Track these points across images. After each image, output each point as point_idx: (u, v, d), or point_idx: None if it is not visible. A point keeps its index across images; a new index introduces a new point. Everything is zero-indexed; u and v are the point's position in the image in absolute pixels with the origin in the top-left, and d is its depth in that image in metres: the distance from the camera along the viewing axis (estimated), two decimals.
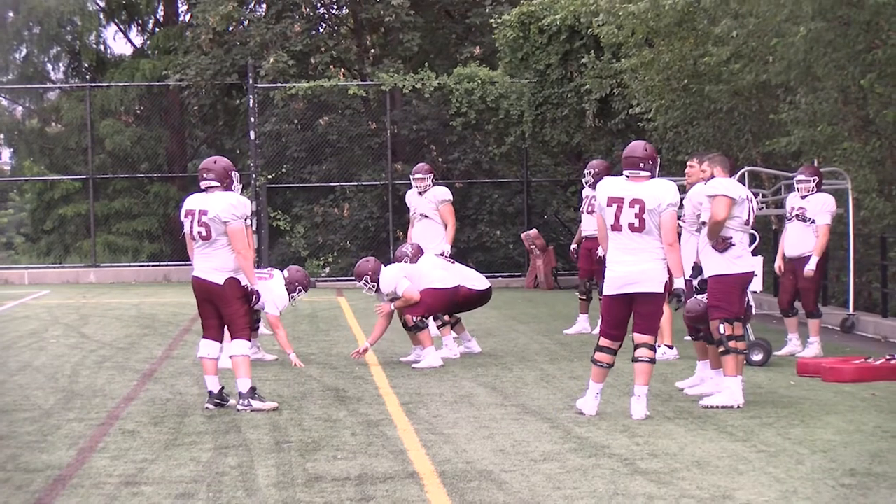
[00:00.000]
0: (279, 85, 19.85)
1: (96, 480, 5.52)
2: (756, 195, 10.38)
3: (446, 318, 9.69)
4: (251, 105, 19.20)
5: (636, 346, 6.92)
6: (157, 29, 24.92)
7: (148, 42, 24.95)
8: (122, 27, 25.35)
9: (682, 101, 14.10)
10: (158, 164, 23.43)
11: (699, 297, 7.66)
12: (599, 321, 7.33)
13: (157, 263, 21.16)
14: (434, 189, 11.08)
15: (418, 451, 6.06)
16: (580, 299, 11.68)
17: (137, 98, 23.04)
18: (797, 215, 9.71)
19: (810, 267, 9.55)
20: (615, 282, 6.92)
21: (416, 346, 9.39)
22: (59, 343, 10.97)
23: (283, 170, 20.30)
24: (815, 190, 9.74)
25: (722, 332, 7.35)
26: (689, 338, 8.33)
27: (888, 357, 8.60)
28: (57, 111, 23.85)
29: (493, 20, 18.84)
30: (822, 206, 9.62)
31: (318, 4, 22.04)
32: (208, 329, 7.33)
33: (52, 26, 23.26)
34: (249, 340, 7.37)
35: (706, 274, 7.53)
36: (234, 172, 7.41)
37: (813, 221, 9.63)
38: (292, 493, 5.25)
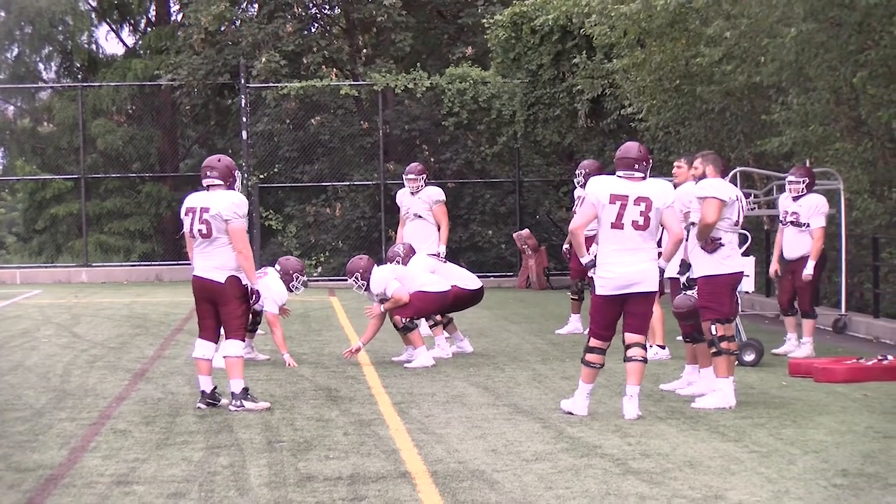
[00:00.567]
0: (271, 85, 19.82)
1: (88, 480, 5.51)
2: (748, 196, 10.40)
3: (438, 317, 9.68)
4: (243, 105, 19.17)
5: (628, 346, 6.91)
6: (148, 29, 24.88)
7: (140, 42, 24.92)
8: (113, 27, 25.31)
9: (674, 101, 14.11)
10: (150, 163, 23.39)
11: (688, 293, 7.66)
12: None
13: (149, 263, 21.12)
14: (427, 189, 11.07)
15: (410, 450, 6.05)
16: (572, 299, 11.68)
17: (129, 98, 22.99)
18: (791, 221, 9.75)
19: (808, 272, 9.60)
20: (613, 282, 6.85)
21: (407, 346, 9.38)
22: (51, 342, 10.94)
23: (275, 169, 20.27)
24: (806, 191, 9.75)
25: (714, 333, 7.34)
26: (681, 339, 8.32)
27: (880, 357, 8.60)
28: (49, 111, 23.81)
29: (485, 20, 18.85)
30: (814, 210, 9.64)
31: (310, 4, 22.02)
32: (205, 329, 7.31)
33: (44, 26, 23.21)
34: (244, 341, 7.36)
35: (695, 275, 7.52)
36: (236, 171, 7.40)
37: (807, 226, 9.65)
38: (284, 493, 5.24)
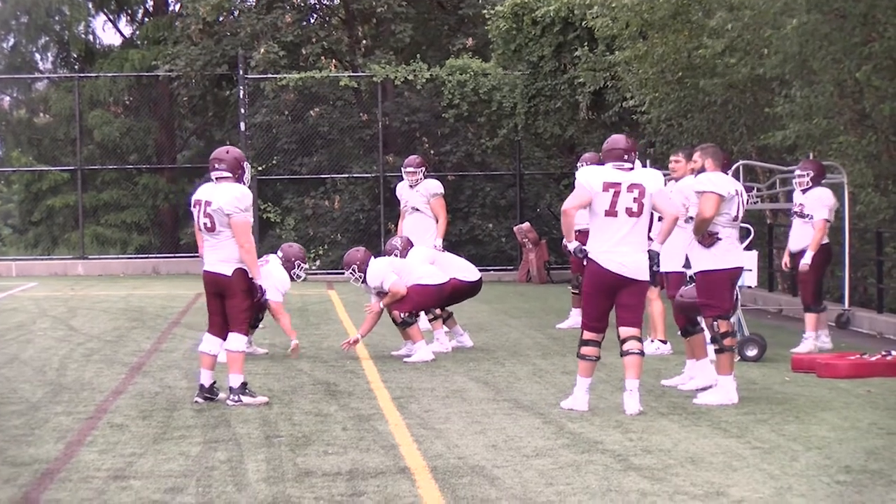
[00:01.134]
0: (270, 76, 19.74)
1: (84, 474, 5.48)
2: (750, 189, 10.35)
3: (438, 311, 9.62)
4: (241, 96, 19.10)
5: (624, 340, 6.89)
6: (146, 19, 24.77)
7: (137, 32, 24.81)
8: (111, 17, 25.20)
9: (677, 94, 14.07)
10: (147, 155, 23.32)
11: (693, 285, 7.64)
12: None
13: (146, 256, 21.07)
14: (426, 182, 11.01)
15: (410, 446, 6.03)
16: (573, 293, 11.62)
17: (126, 89, 22.91)
18: (797, 212, 9.79)
19: (805, 261, 9.58)
20: (610, 264, 6.80)
21: (406, 341, 9.32)
22: (47, 336, 10.92)
23: (274, 161, 20.21)
24: (811, 184, 9.74)
25: (716, 329, 7.31)
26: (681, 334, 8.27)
27: (884, 353, 8.58)
28: (45, 102, 23.73)
29: (485, 11, 18.76)
30: (818, 202, 9.64)
31: None
32: (213, 325, 7.30)
33: (40, 16, 23.12)
34: (246, 335, 7.34)
35: (693, 270, 7.49)
36: (245, 163, 7.36)
37: (811, 217, 9.65)
38: (282, 489, 5.21)
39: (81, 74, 22.78)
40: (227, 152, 7.30)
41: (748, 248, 8.06)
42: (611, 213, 6.82)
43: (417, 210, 10.90)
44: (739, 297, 8.08)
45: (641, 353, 6.89)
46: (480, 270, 10.45)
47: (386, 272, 9.12)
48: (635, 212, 6.82)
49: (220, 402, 7.25)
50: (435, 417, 6.79)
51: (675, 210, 7.00)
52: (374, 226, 19.64)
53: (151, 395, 7.64)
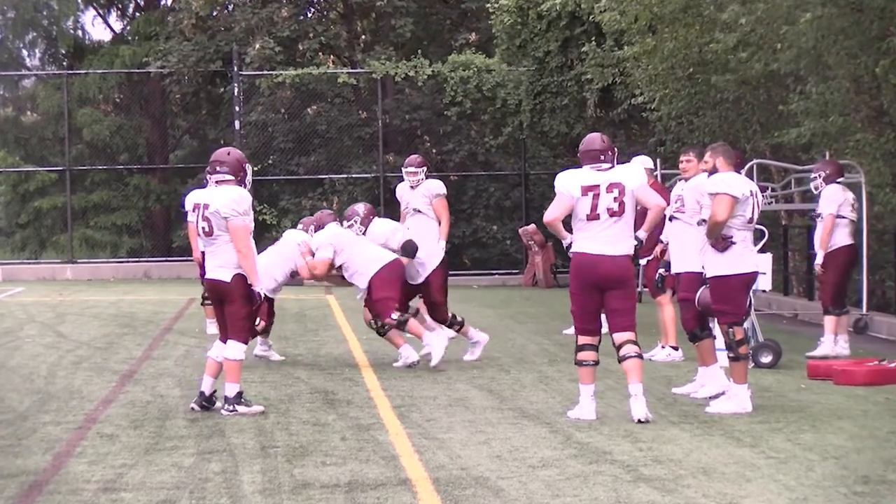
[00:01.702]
0: (265, 72, 19.60)
1: (73, 486, 5.40)
2: (765, 189, 10.20)
3: (460, 318, 9.48)
4: (236, 93, 19.00)
5: (619, 346, 6.84)
6: (137, 13, 24.70)
7: (128, 27, 24.73)
8: (100, 11, 25.14)
9: (687, 90, 14.08)
10: (138, 155, 23.25)
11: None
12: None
13: (137, 259, 21.01)
14: (427, 183, 10.81)
15: (411, 456, 5.95)
16: None
17: (117, 86, 22.85)
18: (815, 215, 9.85)
19: (816, 262, 9.63)
20: (593, 249, 6.77)
21: (402, 347, 9.09)
22: (35, 342, 10.86)
23: (270, 161, 20.11)
24: (824, 185, 9.73)
25: (732, 336, 7.22)
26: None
27: None
28: (32, 99, 23.74)
29: (489, 5, 18.65)
30: (825, 199, 9.63)
31: None
32: (224, 332, 7.23)
33: (28, 10, 23.06)
34: (245, 344, 7.25)
35: (707, 274, 7.39)
36: (247, 165, 7.28)
37: (821, 217, 9.67)
38: (279, 501, 5.13)
39: (70, 71, 22.68)
40: (229, 154, 7.20)
41: (762, 250, 7.93)
42: (592, 216, 6.80)
43: (419, 212, 10.69)
44: (753, 301, 7.94)
45: (639, 356, 6.83)
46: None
47: (323, 242, 9.02)
48: (617, 211, 6.77)
49: (215, 412, 7.19)
50: (437, 427, 6.72)
51: (659, 200, 7.00)
52: None
53: (143, 404, 7.57)
